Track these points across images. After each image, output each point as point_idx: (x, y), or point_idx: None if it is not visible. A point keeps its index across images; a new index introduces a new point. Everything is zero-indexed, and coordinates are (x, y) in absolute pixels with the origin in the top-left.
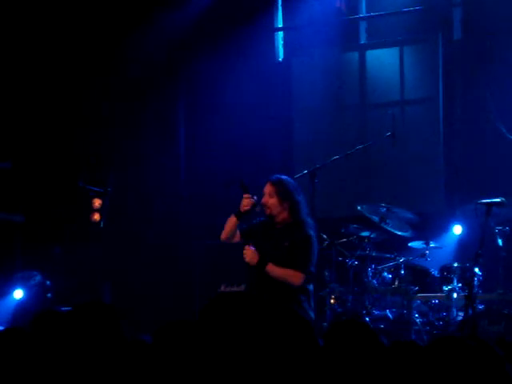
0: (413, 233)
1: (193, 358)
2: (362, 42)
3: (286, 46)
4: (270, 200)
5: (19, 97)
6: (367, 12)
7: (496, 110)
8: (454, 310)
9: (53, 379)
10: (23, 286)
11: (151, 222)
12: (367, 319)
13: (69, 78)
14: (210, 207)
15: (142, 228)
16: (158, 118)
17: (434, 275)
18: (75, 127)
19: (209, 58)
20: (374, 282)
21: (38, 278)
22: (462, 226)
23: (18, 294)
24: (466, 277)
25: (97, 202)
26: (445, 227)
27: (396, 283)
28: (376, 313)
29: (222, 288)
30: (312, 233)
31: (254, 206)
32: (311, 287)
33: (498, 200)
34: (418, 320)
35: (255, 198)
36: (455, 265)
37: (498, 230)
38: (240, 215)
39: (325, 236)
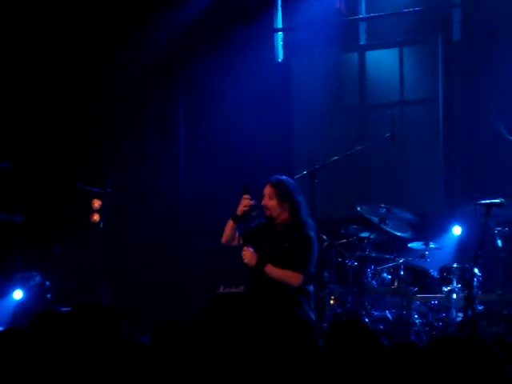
0: (412, 233)
1: (191, 360)
2: (362, 43)
3: (285, 46)
4: (270, 202)
5: (19, 97)
6: (367, 13)
7: (496, 110)
8: (454, 311)
9: (52, 380)
10: (23, 287)
11: (150, 223)
12: (367, 320)
13: (68, 78)
14: (209, 208)
15: (141, 228)
16: (157, 118)
17: (433, 276)
18: (75, 127)
19: (208, 58)
20: (374, 282)
21: (38, 278)
22: (462, 226)
23: (18, 294)
24: (465, 277)
25: (96, 203)
26: (444, 228)
27: (395, 284)
28: (375, 313)
29: (221, 289)
30: (312, 234)
31: (252, 208)
32: (311, 288)
33: (497, 201)
34: (417, 321)
35: (254, 201)
36: (455, 266)
37: (498, 230)
38: (237, 218)
39: (324, 237)
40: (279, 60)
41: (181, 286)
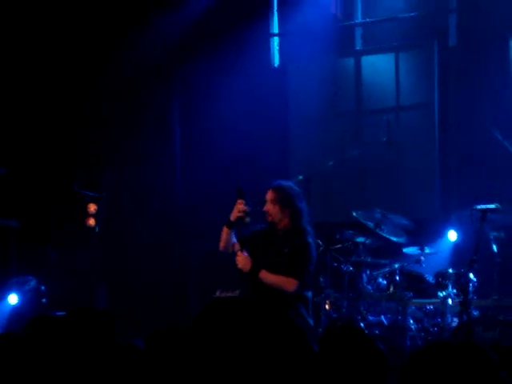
0: (408, 239)
1: (186, 364)
2: (358, 48)
3: (281, 51)
4: (272, 207)
5: (13, 100)
6: (363, 18)
7: (492, 116)
8: (449, 316)
9: None
10: (18, 291)
11: (147, 226)
12: (362, 325)
13: (63, 81)
14: (205, 211)
15: (137, 231)
16: (153, 119)
17: (428, 281)
18: (69, 130)
19: (204, 62)
20: (369, 287)
21: (33, 283)
22: (457, 231)
23: (13, 299)
24: (460, 283)
25: (92, 207)
26: (440, 233)
27: (391, 289)
28: (371, 318)
29: (218, 293)
30: (311, 240)
31: (245, 214)
32: (310, 294)
33: (493, 206)
34: (412, 326)
35: (248, 206)
36: (450, 271)
37: (493, 235)
38: (230, 224)
39: (320, 242)
40: (275, 65)
41: (177, 289)
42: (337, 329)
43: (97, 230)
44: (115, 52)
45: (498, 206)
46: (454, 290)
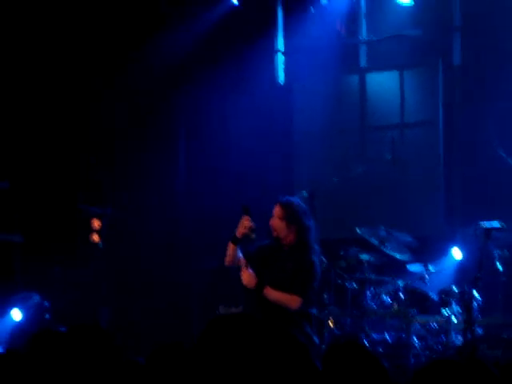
0: (412, 256)
1: (189, 381)
2: (362, 66)
3: (286, 68)
4: (278, 223)
5: (18, 114)
6: (367, 36)
7: (496, 133)
8: (453, 334)
9: None
10: (21, 307)
11: (150, 242)
12: (366, 342)
13: (69, 97)
14: (209, 228)
15: (140, 247)
16: (157, 137)
17: (432, 299)
18: (74, 146)
19: (210, 79)
20: (373, 304)
21: (37, 298)
22: (462, 249)
23: (17, 314)
24: (464, 300)
25: (96, 223)
26: (444, 251)
27: (395, 306)
28: (375, 336)
29: (221, 309)
30: (315, 258)
31: (251, 230)
32: (314, 311)
33: (497, 224)
34: (416, 344)
35: (254, 223)
36: (454, 288)
37: (498, 254)
38: (236, 240)
39: (324, 258)
40: (280, 82)
41: (181, 304)
42: (340, 346)
43: (101, 246)
44: (120, 70)
45: (503, 224)
46: (458, 308)
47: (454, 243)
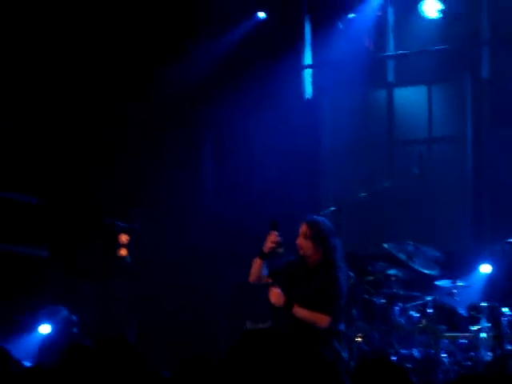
0: (440, 271)
1: None
2: (390, 80)
3: (313, 84)
4: (305, 242)
5: (45, 132)
6: (395, 50)
7: None
8: (482, 350)
9: None
10: (50, 321)
11: (176, 257)
12: (394, 358)
13: (94, 114)
14: (236, 242)
15: (168, 262)
16: (183, 153)
17: (461, 314)
18: (101, 162)
19: (236, 94)
20: (401, 320)
21: (65, 312)
22: (490, 264)
23: (45, 328)
24: (494, 316)
25: (124, 238)
26: (472, 266)
27: (423, 322)
28: (403, 352)
29: (248, 324)
30: (341, 276)
31: (278, 245)
32: (342, 327)
33: None
34: (445, 359)
35: (281, 237)
36: (483, 304)
37: None
38: (264, 256)
39: (351, 273)
40: (307, 97)
41: (208, 320)
42: (370, 362)
43: (128, 260)
44: (146, 86)
45: None
46: (487, 324)
47: (483, 259)
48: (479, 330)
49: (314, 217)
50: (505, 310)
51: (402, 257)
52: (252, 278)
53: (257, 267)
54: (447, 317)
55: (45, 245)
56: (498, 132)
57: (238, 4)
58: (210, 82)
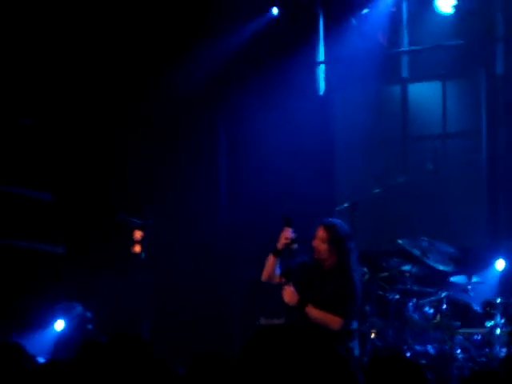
0: (455, 267)
1: None
2: (404, 76)
3: (327, 79)
4: (321, 245)
5: (60, 129)
6: (409, 46)
7: None
8: (497, 346)
9: None
10: (64, 317)
11: (191, 253)
12: (408, 354)
13: (108, 111)
14: (250, 238)
15: (181, 258)
16: (198, 150)
17: (476, 310)
18: (115, 159)
19: (250, 90)
20: (416, 316)
21: (79, 309)
22: (505, 260)
23: (59, 325)
24: (509, 312)
25: (138, 234)
26: (487, 262)
27: (438, 318)
28: (417, 348)
29: (262, 321)
30: (356, 280)
31: (292, 241)
32: (355, 325)
33: None
34: (459, 356)
35: (295, 234)
36: (498, 300)
37: None
38: (277, 253)
39: (365, 269)
40: (321, 93)
41: (222, 316)
42: (384, 358)
43: (143, 257)
44: (160, 83)
45: None
46: (503, 320)
47: (498, 255)
48: (494, 326)
49: (331, 219)
50: None
51: (417, 253)
52: (265, 275)
53: (270, 264)
54: (462, 313)
55: (60, 241)
56: None
57: (250, 0)
58: (223, 79)
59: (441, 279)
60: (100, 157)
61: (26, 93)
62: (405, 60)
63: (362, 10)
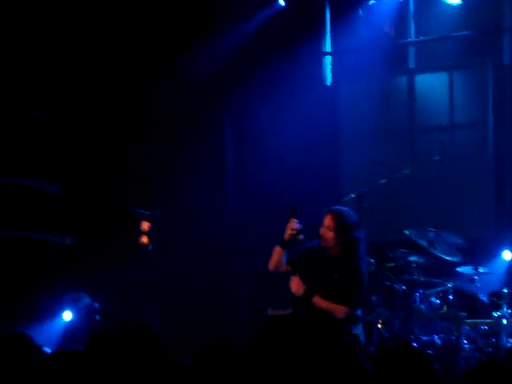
0: (461, 258)
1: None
2: (411, 67)
3: (333, 70)
4: (328, 233)
5: (67, 120)
6: (416, 36)
7: None
8: (504, 337)
9: None
10: (72, 308)
11: (198, 244)
12: (415, 345)
13: (117, 102)
14: (257, 229)
15: (188, 250)
16: (205, 141)
17: (483, 301)
18: (123, 150)
19: (256, 81)
20: (422, 306)
21: (87, 299)
22: None
23: (67, 315)
24: None
25: (145, 225)
26: (494, 253)
27: (444, 308)
28: (424, 338)
29: (269, 311)
30: (363, 269)
31: (298, 232)
32: (359, 312)
33: None
34: (466, 346)
35: (301, 224)
36: (505, 291)
37: None
38: (284, 244)
39: (372, 260)
40: (327, 84)
41: (228, 306)
42: (392, 349)
43: (150, 248)
44: (168, 75)
45: None
46: (509, 310)
47: (505, 245)
48: (500, 317)
49: (338, 207)
50: None
51: (423, 243)
52: (271, 265)
53: (277, 255)
54: (468, 303)
55: (68, 232)
56: None
57: None
58: (231, 68)
59: (448, 270)
60: (108, 148)
61: (31, 85)
62: (412, 51)
63: (368, 0)
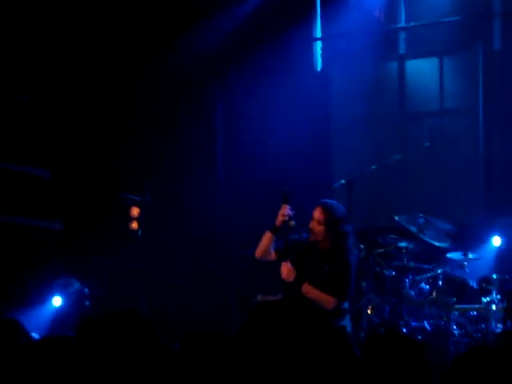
0: (451, 244)
1: (230, 369)
2: (401, 52)
3: (324, 55)
4: (317, 227)
5: (58, 105)
6: (406, 22)
7: None
8: (493, 322)
9: None
10: (62, 294)
11: (188, 230)
12: (404, 330)
13: (108, 88)
14: (247, 215)
15: (178, 236)
16: (196, 127)
17: (472, 287)
18: (113, 135)
19: (247, 67)
20: (412, 292)
21: (77, 285)
22: (502, 237)
23: (57, 301)
24: (505, 289)
25: (135, 211)
26: (484, 238)
27: (434, 294)
28: (413, 324)
29: (259, 297)
30: (352, 262)
31: (290, 218)
32: (347, 305)
33: None
34: (456, 332)
35: (293, 211)
36: (494, 276)
37: None
38: (275, 230)
39: (362, 246)
40: (318, 69)
41: (218, 292)
42: (382, 335)
43: (139, 234)
44: (159, 59)
45: None
46: (498, 296)
47: (494, 231)
48: (490, 303)
49: (328, 201)
50: None
51: (413, 229)
52: (259, 252)
53: (266, 241)
54: (458, 289)
55: (58, 218)
56: (510, 103)
57: None
58: (221, 54)
59: (437, 255)
60: (98, 133)
61: (21, 71)
62: (402, 36)
63: None
